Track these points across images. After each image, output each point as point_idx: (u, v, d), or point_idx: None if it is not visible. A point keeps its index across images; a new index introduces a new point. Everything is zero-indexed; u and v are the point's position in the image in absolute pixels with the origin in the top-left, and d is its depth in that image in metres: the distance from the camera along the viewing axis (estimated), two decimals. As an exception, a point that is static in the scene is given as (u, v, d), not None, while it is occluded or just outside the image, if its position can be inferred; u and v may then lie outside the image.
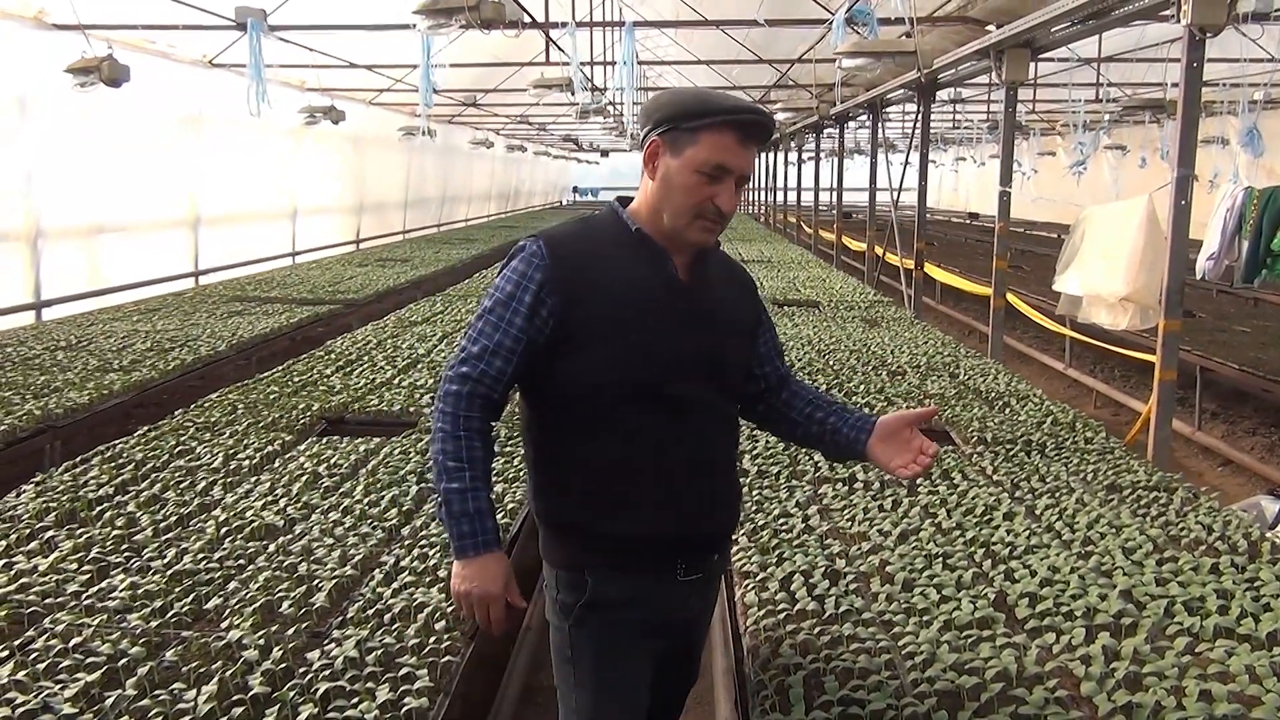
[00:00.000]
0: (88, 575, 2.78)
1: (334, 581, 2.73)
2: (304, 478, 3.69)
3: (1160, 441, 4.82)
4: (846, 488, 3.58)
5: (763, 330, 2.00)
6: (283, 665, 2.27)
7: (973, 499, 3.45)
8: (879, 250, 11.86)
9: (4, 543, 3.04)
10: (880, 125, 12.23)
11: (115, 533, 3.11)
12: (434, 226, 20.78)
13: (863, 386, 5.19)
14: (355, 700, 2.13)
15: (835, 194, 15.22)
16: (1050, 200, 15.75)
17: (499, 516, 3.19)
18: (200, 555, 2.94)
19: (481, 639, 2.48)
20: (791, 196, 21.19)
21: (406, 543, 3.09)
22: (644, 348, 1.75)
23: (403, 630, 2.47)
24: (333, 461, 3.91)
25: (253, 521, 3.21)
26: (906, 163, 9.64)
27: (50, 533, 3.13)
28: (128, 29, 8.38)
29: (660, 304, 1.78)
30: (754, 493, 3.50)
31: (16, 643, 2.38)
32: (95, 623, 2.47)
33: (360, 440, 4.23)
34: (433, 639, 2.40)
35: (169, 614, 2.53)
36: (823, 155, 19.80)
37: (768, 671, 2.25)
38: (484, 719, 2.82)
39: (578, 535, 1.80)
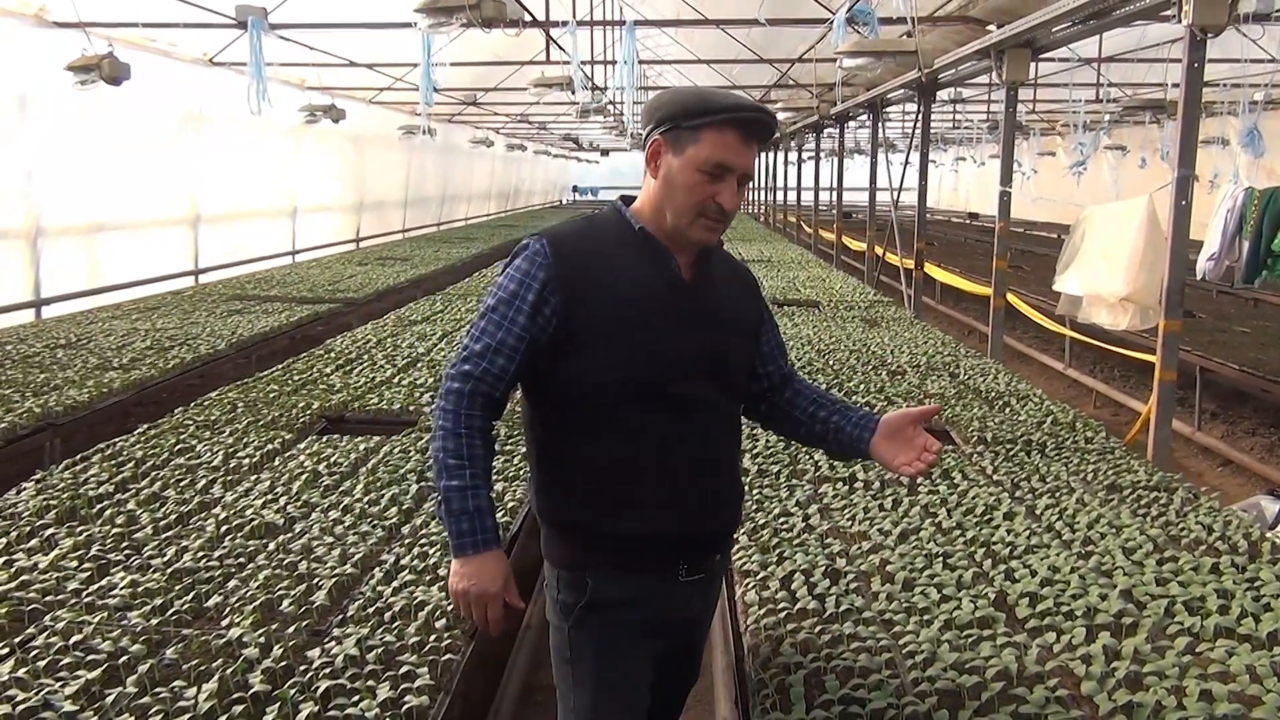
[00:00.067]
0: (88, 573, 2.78)
1: (334, 580, 2.73)
2: (304, 476, 3.69)
3: (1160, 441, 4.83)
4: (847, 487, 3.58)
5: (765, 329, 1.99)
6: (283, 663, 2.27)
7: (973, 499, 3.45)
8: (879, 250, 11.87)
9: (4, 540, 3.04)
10: (880, 125, 12.23)
11: (115, 530, 3.11)
12: (434, 225, 20.79)
13: (863, 386, 5.19)
14: (356, 698, 2.12)
15: (835, 194, 15.22)
16: (1050, 200, 15.75)
17: (499, 515, 3.20)
18: (200, 553, 2.94)
19: (482, 638, 2.48)
20: (791, 196, 21.19)
21: (406, 541, 3.09)
22: (647, 346, 1.75)
23: (403, 628, 2.47)
24: (333, 460, 3.91)
25: (253, 520, 3.21)
26: (906, 162, 9.64)
27: (50, 530, 3.13)
28: (128, 27, 8.39)
29: (663, 303, 1.78)
30: (754, 491, 3.50)
31: (17, 640, 2.38)
32: (96, 620, 2.47)
33: (360, 439, 4.22)
34: (433, 637, 2.40)
35: (169, 612, 2.53)
36: (823, 155, 19.80)
37: (768, 670, 2.25)
38: (484, 718, 2.82)
39: (580, 534, 1.80)
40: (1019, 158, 14.90)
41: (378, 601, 2.62)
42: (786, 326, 7.21)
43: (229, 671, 2.20)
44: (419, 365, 5.79)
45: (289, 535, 3.12)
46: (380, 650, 2.34)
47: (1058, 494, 3.53)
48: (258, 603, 2.58)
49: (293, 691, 2.13)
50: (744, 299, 1.95)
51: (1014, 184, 7.31)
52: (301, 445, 4.16)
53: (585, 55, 9.51)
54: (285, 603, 2.59)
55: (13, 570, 2.80)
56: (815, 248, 15.88)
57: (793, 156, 20.08)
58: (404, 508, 3.36)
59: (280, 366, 5.76)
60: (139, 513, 3.29)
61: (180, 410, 4.69)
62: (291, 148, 13.35)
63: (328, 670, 2.24)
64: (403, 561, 2.90)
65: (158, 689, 2.15)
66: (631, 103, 8.68)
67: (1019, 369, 8.41)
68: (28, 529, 3.13)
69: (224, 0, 7.74)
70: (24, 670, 2.22)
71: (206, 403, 4.83)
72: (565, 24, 8.08)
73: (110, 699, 2.10)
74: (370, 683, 2.19)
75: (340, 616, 2.56)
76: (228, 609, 2.58)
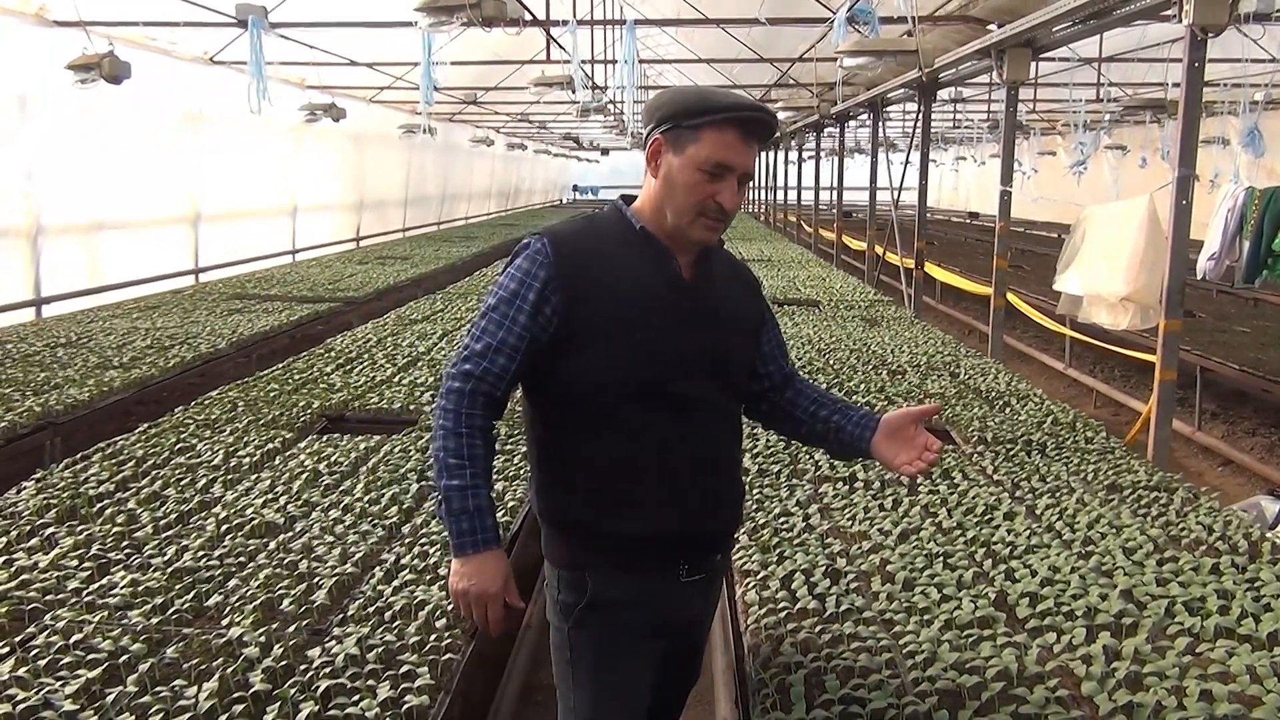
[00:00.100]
0: (88, 572, 2.78)
1: (334, 579, 2.73)
2: (304, 475, 3.69)
3: (1160, 441, 4.83)
4: (847, 486, 3.58)
5: (766, 329, 1.99)
6: (283, 662, 2.27)
7: (973, 498, 3.45)
8: (879, 249, 11.86)
9: (5, 539, 3.04)
10: (881, 124, 12.23)
11: (116, 530, 3.11)
12: (434, 224, 20.79)
13: (863, 386, 5.19)
14: (356, 698, 2.12)
15: (835, 193, 15.22)
16: (1051, 200, 15.76)
17: (499, 515, 3.19)
18: (201, 552, 2.94)
19: (482, 637, 2.48)
20: (792, 195, 21.19)
21: (407, 540, 3.09)
22: (648, 346, 1.75)
23: (403, 628, 2.47)
24: (333, 459, 3.91)
25: (253, 519, 3.21)
26: (907, 162, 9.64)
27: (51, 529, 3.13)
28: (129, 26, 8.38)
29: (664, 302, 1.78)
30: (755, 491, 3.50)
31: (17, 639, 2.38)
32: (96, 619, 2.47)
33: (360, 438, 4.22)
34: (433, 637, 2.40)
35: (170, 611, 2.53)
36: (823, 154, 19.80)
37: (768, 670, 2.25)
38: (484, 717, 2.82)
39: (580, 533, 1.80)
40: (1019, 157, 14.88)
41: (378, 601, 2.62)
42: (786, 326, 7.20)
43: (229, 671, 2.20)
44: (419, 364, 5.79)
45: (289, 534, 3.12)
46: (380, 650, 2.34)
47: (1058, 494, 3.53)
48: (258, 602, 2.58)
49: (293, 691, 2.13)
50: (745, 299, 1.95)
51: (1014, 183, 7.31)
52: (302, 444, 4.16)
53: (585, 54, 9.51)
54: (286, 602, 2.59)
55: (13, 569, 2.80)
56: (815, 247, 15.88)
57: (793, 156, 20.08)
58: (404, 507, 3.37)
59: (280, 366, 5.76)
60: (139, 512, 3.29)
61: (180, 409, 4.69)
62: (292, 147, 13.34)
63: (328, 669, 2.24)
64: (403, 561, 2.90)
65: (158, 688, 2.16)
66: (632, 102, 8.68)
67: (1019, 369, 8.41)
68: (28, 528, 3.13)
69: (224, -1, 7.75)
70: (24, 669, 2.22)
71: (207, 402, 4.83)
72: (565, 23, 8.07)
73: (110, 698, 2.10)
74: (370, 682, 2.19)
75: (340, 616, 2.56)
76: (228, 608, 2.58)
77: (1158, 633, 2.45)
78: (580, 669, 1.81)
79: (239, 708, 2.06)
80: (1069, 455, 4.02)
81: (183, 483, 3.61)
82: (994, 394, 5.12)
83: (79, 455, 3.93)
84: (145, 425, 4.38)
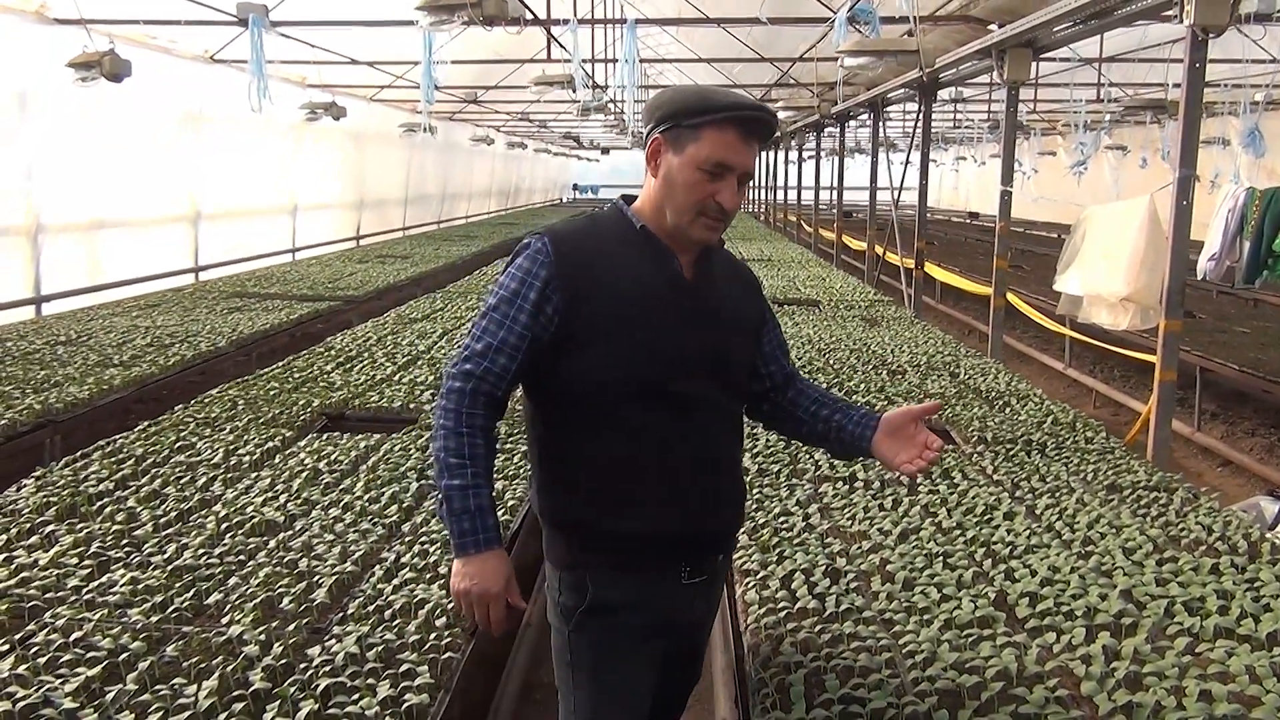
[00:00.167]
0: (88, 570, 2.78)
1: (334, 577, 2.73)
2: (304, 474, 3.69)
3: (1160, 441, 4.83)
4: (847, 486, 3.58)
5: (767, 328, 1.99)
6: (283, 661, 2.27)
7: (973, 498, 3.45)
8: (879, 249, 11.86)
9: (5, 537, 3.04)
10: (881, 124, 12.22)
11: (115, 528, 3.11)
12: (434, 223, 20.78)
13: (863, 386, 5.19)
14: (356, 696, 2.12)
15: (836, 193, 15.22)
16: (1051, 200, 15.75)
17: (499, 514, 3.19)
18: (200, 551, 2.95)
19: (482, 636, 2.48)
20: (792, 195, 21.18)
21: (407, 539, 3.09)
22: (648, 345, 1.75)
23: (403, 627, 2.47)
24: (333, 458, 3.91)
25: (253, 517, 3.21)
26: (907, 162, 9.64)
27: (50, 527, 3.13)
28: (129, 24, 8.39)
29: (665, 302, 1.78)
30: (755, 491, 3.50)
31: (17, 637, 2.39)
32: (96, 617, 2.47)
33: (360, 436, 4.22)
34: (433, 635, 2.40)
35: (169, 609, 2.53)
36: (823, 154, 19.80)
37: (768, 669, 2.25)
38: (484, 716, 2.82)
39: (581, 533, 1.80)
40: (1020, 157, 14.89)
41: (378, 599, 2.62)
42: (787, 326, 7.20)
43: (229, 669, 2.20)
44: (419, 363, 5.79)
45: (289, 533, 3.12)
46: (380, 648, 2.34)
47: (1058, 494, 3.53)
48: (258, 600, 2.58)
49: (293, 689, 2.13)
50: (745, 298, 1.95)
51: (1014, 183, 7.31)
52: (302, 443, 4.16)
53: (586, 53, 9.52)
54: (285, 600, 2.59)
55: (13, 567, 2.80)
56: (815, 247, 15.88)
57: (793, 155, 20.07)
58: (404, 505, 3.37)
59: (280, 364, 5.76)
60: (139, 510, 3.29)
61: (180, 407, 4.69)
62: (292, 145, 13.34)
63: (328, 668, 2.24)
64: (403, 559, 2.90)
65: (158, 686, 2.16)
66: (632, 101, 8.67)
67: (1019, 369, 8.41)
68: (28, 526, 3.13)
69: (225, -3, 7.75)
70: (24, 667, 2.22)
71: (207, 400, 4.83)
72: (566, 22, 8.07)
73: (110, 696, 2.10)
74: (370, 681, 2.19)
75: (340, 614, 2.56)
76: (228, 606, 2.58)
77: (1157, 633, 2.45)
78: (580, 671, 1.81)
79: (239, 706, 2.06)
80: (1069, 455, 4.02)
81: (183, 481, 3.61)
82: (994, 394, 5.12)
83: (79, 453, 3.93)
84: (145, 423, 4.38)
